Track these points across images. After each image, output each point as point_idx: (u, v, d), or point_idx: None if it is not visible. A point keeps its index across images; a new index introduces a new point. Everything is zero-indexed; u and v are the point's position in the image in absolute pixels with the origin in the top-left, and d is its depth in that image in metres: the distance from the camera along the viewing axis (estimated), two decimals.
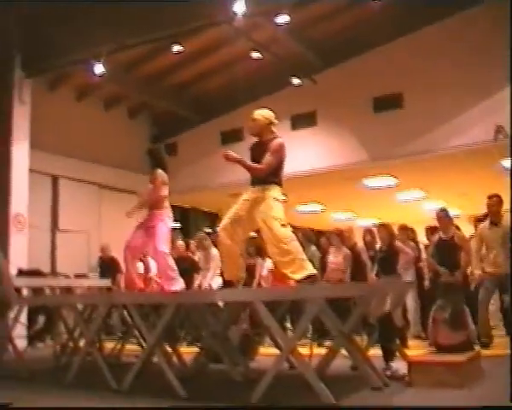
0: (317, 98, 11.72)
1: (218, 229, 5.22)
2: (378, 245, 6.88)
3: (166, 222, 5.73)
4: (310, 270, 4.89)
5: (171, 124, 13.85)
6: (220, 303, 6.02)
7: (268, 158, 4.91)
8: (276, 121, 5.15)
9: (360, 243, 7.85)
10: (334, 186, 12.90)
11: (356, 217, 16.47)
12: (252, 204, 4.97)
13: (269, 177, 4.95)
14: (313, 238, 8.58)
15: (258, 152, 5.03)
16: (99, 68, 9.35)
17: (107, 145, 12.52)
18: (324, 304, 4.55)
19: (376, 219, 11.34)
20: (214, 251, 8.18)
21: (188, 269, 8.38)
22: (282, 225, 4.84)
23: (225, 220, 5.11)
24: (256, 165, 4.91)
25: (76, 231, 11.54)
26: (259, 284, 7.92)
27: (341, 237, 7.79)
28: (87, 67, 9.57)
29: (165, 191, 5.73)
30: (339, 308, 5.32)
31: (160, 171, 5.73)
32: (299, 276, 4.79)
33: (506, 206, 6.26)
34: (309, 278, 4.80)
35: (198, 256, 8.67)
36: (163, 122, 14.04)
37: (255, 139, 5.16)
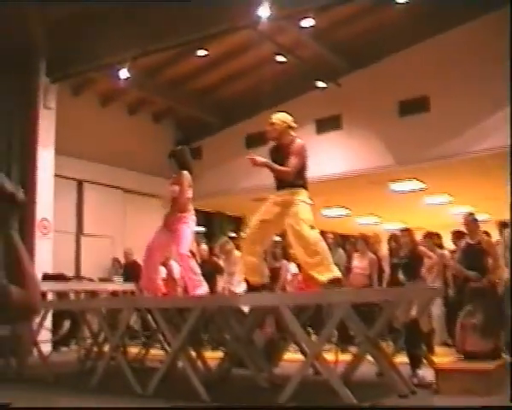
0: (342, 102, 11.67)
1: (243, 233, 5.26)
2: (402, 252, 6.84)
3: (190, 225, 5.75)
4: (336, 273, 4.90)
5: (195, 128, 13.93)
6: (245, 308, 6.03)
7: (292, 160, 4.96)
8: (294, 125, 5.20)
9: (385, 249, 7.81)
10: (360, 190, 12.81)
11: (382, 222, 16.33)
12: (280, 208, 5.02)
13: (296, 180, 5.01)
14: (341, 242, 8.56)
15: (278, 156, 5.08)
16: (123, 73, 9.45)
17: (132, 150, 12.62)
18: (350, 309, 4.54)
19: (402, 224, 11.24)
20: (238, 255, 8.18)
21: (211, 273, 8.41)
22: (311, 227, 4.89)
23: (252, 224, 5.16)
24: (282, 168, 4.96)
25: (100, 235, 11.67)
26: (284, 289, 7.90)
27: (367, 242, 7.75)
28: (112, 73, 9.67)
29: (190, 193, 5.73)
30: (364, 314, 5.29)
31: (185, 172, 5.71)
32: (325, 277, 4.81)
33: None
34: (334, 280, 4.81)
35: (222, 261, 8.70)
36: (187, 126, 14.12)
37: (273, 143, 5.23)
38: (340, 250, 8.37)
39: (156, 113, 13.52)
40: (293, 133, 5.18)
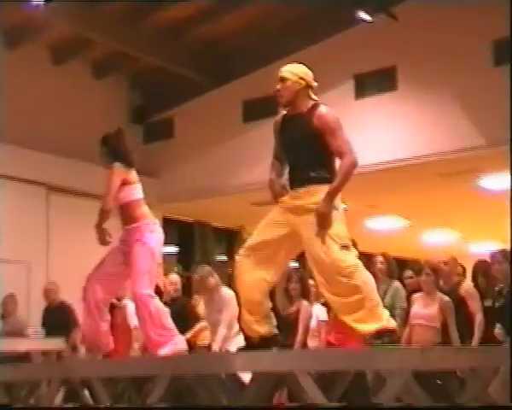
0: (399, 46, 11.71)
1: (238, 257, 5.32)
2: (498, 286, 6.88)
3: (147, 241, 5.87)
4: (387, 321, 4.90)
5: (162, 89, 14.00)
6: (245, 376, 6.05)
7: (338, 142, 5.03)
8: (314, 84, 5.26)
9: (469, 283, 7.78)
10: (426, 188, 12.83)
11: (464, 240, 16.35)
12: (293, 216, 5.08)
13: (320, 171, 5.06)
14: (396, 270, 8.56)
15: (295, 132, 5.15)
16: None
17: (60, 123, 12.67)
18: (411, 379, 4.56)
19: (500, 244, 11.22)
20: (227, 293, 8.23)
21: (183, 318, 8.48)
22: (343, 247, 4.92)
23: (249, 243, 5.23)
24: (345, 163, 4.99)
25: (8, 260, 11.66)
26: (305, 344, 7.93)
27: (437, 273, 7.76)
28: None
29: (134, 193, 6.02)
30: (433, 388, 5.31)
31: (117, 164, 6.05)
32: (368, 328, 4.83)
33: None
34: (384, 332, 4.81)
35: (201, 301, 8.74)
36: (149, 85, 14.21)
37: (283, 112, 5.33)
38: (397, 284, 8.36)
39: (98, 61, 13.57)
40: (314, 97, 5.22)
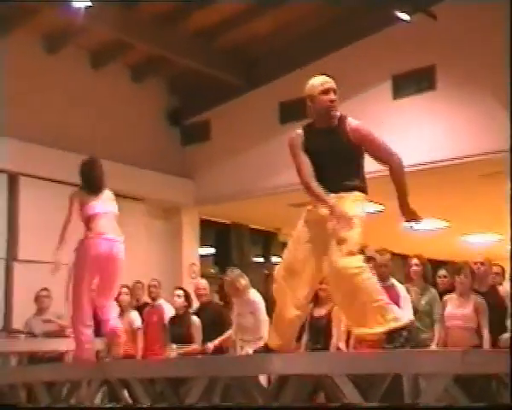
0: (438, 45, 11.63)
1: (276, 268, 5.42)
2: None
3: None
4: (394, 321, 4.90)
5: (199, 91, 14.05)
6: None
7: (382, 144, 5.21)
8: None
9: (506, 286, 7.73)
10: (466, 189, 12.72)
11: (504, 241, 16.14)
12: (319, 228, 5.16)
13: (351, 179, 5.16)
14: (430, 272, 8.50)
15: (328, 145, 5.21)
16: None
17: (98, 125, 12.77)
18: (451, 382, 4.53)
19: None
20: (257, 296, 8.28)
21: (214, 322, 8.65)
22: (349, 254, 4.95)
23: (284, 264, 5.30)
24: (397, 162, 5.19)
25: (45, 261, 11.72)
26: (338, 348, 7.92)
27: (473, 275, 7.71)
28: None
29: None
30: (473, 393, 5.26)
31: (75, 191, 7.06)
32: (373, 331, 4.87)
33: None
34: (393, 332, 4.82)
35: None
36: (186, 89, 14.26)
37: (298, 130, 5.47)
38: (433, 290, 8.31)
39: (137, 65, 13.67)
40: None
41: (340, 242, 4.95)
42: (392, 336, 4.86)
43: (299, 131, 5.44)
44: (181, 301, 8.94)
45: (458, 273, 7.71)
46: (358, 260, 5.00)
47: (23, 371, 7.49)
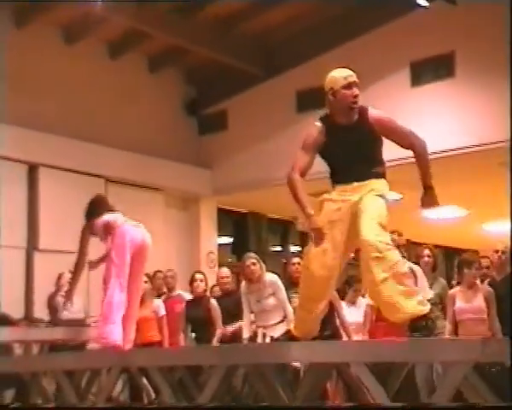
0: (457, 31, 11.58)
1: (298, 256, 5.44)
2: None
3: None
4: (417, 308, 4.92)
5: (216, 81, 14.06)
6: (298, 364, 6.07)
7: (404, 130, 5.30)
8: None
9: None
10: (486, 177, 12.65)
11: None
12: (347, 209, 5.18)
13: (373, 167, 5.21)
14: (441, 263, 8.48)
15: (352, 137, 5.21)
16: None
17: (116, 115, 12.81)
18: (470, 371, 4.52)
19: None
20: (274, 276, 8.26)
21: (235, 311, 8.62)
22: (380, 226, 5.00)
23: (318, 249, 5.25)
24: (420, 147, 5.32)
25: (65, 251, 11.78)
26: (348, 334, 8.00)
27: (481, 266, 7.67)
28: None
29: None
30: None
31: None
32: (409, 311, 4.88)
33: None
34: (418, 320, 4.85)
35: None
36: (203, 78, 14.27)
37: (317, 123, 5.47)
38: (443, 280, 8.31)
39: (154, 55, 13.69)
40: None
41: (373, 218, 5.00)
42: (418, 320, 4.90)
43: (319, 125, 5.40)
44: (203, 284, 8.97)
45: (469, 266, 7.65)
46: (389, 239, 5.06)
47: (44, 360, 7.53)
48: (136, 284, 6.93)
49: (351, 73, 5.29)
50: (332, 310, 7.87)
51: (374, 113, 5.23)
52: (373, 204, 5.07)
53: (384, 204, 5.16)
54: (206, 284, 9.10)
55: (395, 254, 5.01)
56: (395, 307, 4.92)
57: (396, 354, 4.85)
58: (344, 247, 5.23)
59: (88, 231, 7.09)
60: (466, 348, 4.59)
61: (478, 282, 7.67)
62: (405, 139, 5.24)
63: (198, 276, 9.09)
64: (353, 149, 5.21)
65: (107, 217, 6.92)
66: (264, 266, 8.35)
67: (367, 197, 5.10)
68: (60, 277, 9.84)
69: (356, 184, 5.20)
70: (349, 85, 5.21)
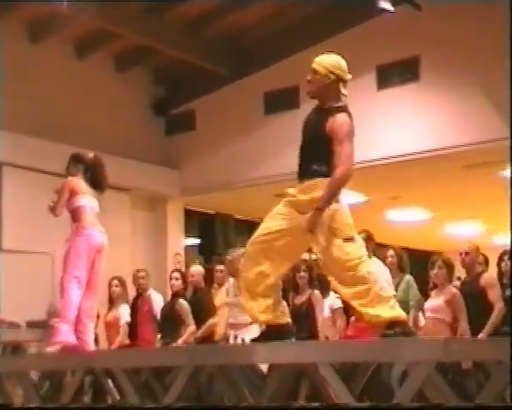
0: (422, 36, 11.66)
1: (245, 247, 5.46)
2: None
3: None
4: (399, 312, 4.94)
5: (184, 81, 14.03)
6: (263, 366, 6.07)
7: (340, 150, 5.04)
8: (348, 77, 5.26)
9: (490, 273, 7.78)
10: (450, 180, 12.76)
11: (488, 231, 16.24)
12: (297, 213, 5.16)
13: (323, 166, 5.10)
14: (407, 263, 8.57)
15: (312, 126, 5.19)
16: None
17: (83, 114, 12.73)
18: (433, 371, 4.56)
19: None
20: None
21: (202, 311, 8.64)
22: (346, 240, 4.98)
23: (256, 233, 5.34)
24: (336, 174, 5.01)
25: (31, 251, 11.73)
26: (316, 335, 7.98)
27: (450, 266, 7.73)
28: None
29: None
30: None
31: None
32: (378, 313, 4.89)
33: None
34: (397, 323, 4.86)
35: (227, 286, 8.73)
36: (171, 78, 14.24)
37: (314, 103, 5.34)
38: (408, 277, 8.39)
39: (121, 55, 13.62)
40: (344, 91, 5.23)
41: (336, 231, 4.98)
42: (395, 323, 4.93)
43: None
44: (179, 283, 8.95)
45: (433, 266, 7.71)
46: (359, 248, 5.05)
47: (6, 362, 7.47)
48: (94, 287, 6.88)
49: (317, 58, 5.28)
50: (311, 311, 7.91)
51: (340, 118, 5.12)
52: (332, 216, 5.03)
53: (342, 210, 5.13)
54: (185, 283, 9.07)
55: (364, 266, 5.02)
56: (368, 314, 4.96)
57: (360, 355, 4.89)
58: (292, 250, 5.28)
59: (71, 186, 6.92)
60: (428, 349, 4.63)
61: (450, 283, 7.72)
62: (339, 155, 5.05)
63: (174, 274, 9.09)
64: (311, 139, 5.19)
65: (84, 202, 6.82)
66: None
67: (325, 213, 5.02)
68: None
69: (307, 183, 5.15)
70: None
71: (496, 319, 7.34)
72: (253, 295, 5.29)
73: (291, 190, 5.25)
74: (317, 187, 5.06)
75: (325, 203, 4.99)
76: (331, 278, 5.12)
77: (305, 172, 5.16)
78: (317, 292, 8.01)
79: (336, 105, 5.17)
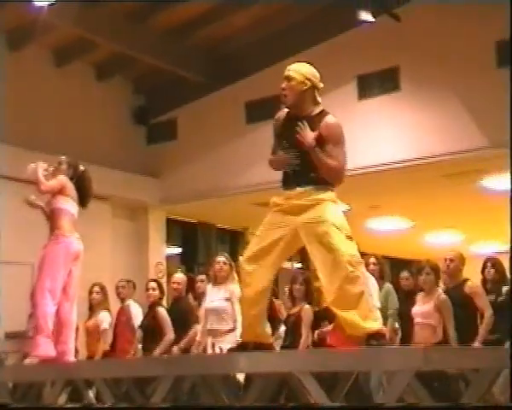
0: (402, 47, 11.72)
1: (241, 259, 5.41)
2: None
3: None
4: (379, 322, 4.95)
5: (165, 90, 14.02)
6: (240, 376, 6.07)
7: (338, 152, 5.10)
8: (321, 85, 5.29)
9: (473, 281, 7.82)
10: (430, 190, 12.82)
11: (467, 240, 16.33)
12: (291, 216, 5.13)
13: (318, 174, 5.09)
14: (388, 271, 8.61)
15: (294, 134, 5.13)
16: None
17: (64, 124, 12.70)
18: (414, 380, 4.56)
19: (503, 245, 11.23)
20: (237, 287, 8.25)
21: (183, 320, 8.62)
22: (348, 238, 4.96)
23: (249, 252, 5.29)
24: (330, 161, 5.05)
25: (11, 262, 11.66)
26: (308, 347, 7.93)
27: (437, 271, 7.76)
28: None
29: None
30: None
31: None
32: (368, 325, 4.88)
33: None
34: (376, 335, 4.86)
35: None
36: (152, 87, 14.24)
37: (285, 109, 5.34)
38: (388, 285, 8.43)
39: (102, 64, 13.61)
40: (319, 99, 5.23)
41: (341, 228, 4.97)
42: (375, 335, 4.91)
43: (281, 114, 5.39)
44: (156, 293, 8.92)
45: (420, 273, 7.75)
46: (356, 249, 5.02)
47: None
48: (71, 293, 6.83)
49: (292, 66, 5.30)
50: (299, 323, 7.89)
51: (330, 119, 5.16)
52: (334, 214, 5.05)
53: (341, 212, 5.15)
54: (162, 292, 9.05)
55: (361, 267, 5.05)
56: (354, 323, 4.93)
57: (341, 364, 4.89)
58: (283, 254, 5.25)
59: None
60: (408, 357, 4.64)
61: (438, 289, 7.75)
62: (337, 156, 5.10)
63: (151, 284, 9.04)
64: (300, 147, 5.13)
65: (67, 206, 6.78)
66: (235, 275, 8.28)
67: (324, 208, 5.04)
68: None
69: (300, 190, 5.12)
70: (284, 78, 5.26)
71: (487, 327, 7.42)
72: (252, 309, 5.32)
73: (278, 199, 5.22)
74: (312, 194, 5.06)
75: (315, 154, 5.03)
76: (324, 278, 5.00)
77: (298, 180, 5.11)
78: (307, 306, 7.97)
79: (319, 110, 5.20)
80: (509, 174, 10.86)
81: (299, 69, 5.24)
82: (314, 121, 5.12)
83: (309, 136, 5.04)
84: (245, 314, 5.44)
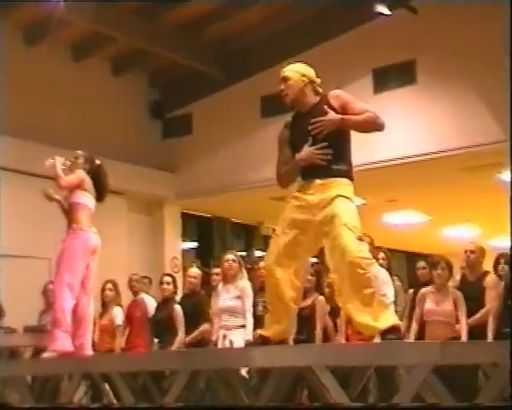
0: (418, 40, 11.67)
1: (263, 260, 5.40)
2: None
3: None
4: (395, 318, 4.95)
5: (180, 85, 14.04)
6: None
7: (359, 106, 5.16)
8: (318, 80, 5.32)
9: (491, 274, 7.84)
10: (446, 183, 12.78)
11: (485, 234, 16.24)
12: (310, 214, 5.11)
13: (336, 164, 5.08)
14: (394, 267, 8.58)
15: (307, 128, 5.12)
16: None
17: (80, 118, 12.72)
18: (430, 373, 4.55)
19: None
20: (246, 282, 8.25)
21: (196, 315, 8.63)
22: (360, 239, 4.92)
23: (274, 248, 5.24)
24: (361, 116, 5.10)
25: (29, 256, 11.72)
26: (323, 340, 7.92)
27: (451, 268, 7.74)
28: None
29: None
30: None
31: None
32: (381, 324, 4.84)
33: None
34: (392, 330, 4.83)
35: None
36: (168, 82, 14.25)
37: (289, 118, 5.38)
38: (397, 281, 8.41)
39: (118, 58, 13.65)
40: (319, 89, 5.30)
41: (351, 228, 4.91)
42: (390, 329, 4.88)
43: (287, 122, 5.41)
44: (170, 287, 8.92)
45: (435, 267, 7.73)
46: (367, 250, 5.00)
47: (2, 367, 7.46)
48: (89, 288, 6.87)
49: (286, 68, 5.37)
50: (313, 316, 7.88)
51: (335, 91, 5.22)
52: (347, 213, 5.00)
53: (355, 210, 5.10)
54: (175, 287, 9.06)
55: (372, 269, 5.02)
56: (367, 325, 4.92)
57: (357, 358, 4.88)
58: (304, 248, 5.21)
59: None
60: (426, 352, 4.63)
61: (449, 284, 7.75)
62: (366, 108, 5.16)
63: (166, 279, 9.05)
64: (315, 138, 5.11)
65: (86, 200, 6.84)
66: (244, 272, 8.31)
67: (338, 206, 4.99)
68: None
69: (319, 182, 5.10)
70: (281, 80, 5.34)
71: (486, 313, 7.48)
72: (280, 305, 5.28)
73: (296, 193, 5.22)
74: (334, 186, 5.04)
75: (347, 120, 5.06)
76: (338, 278, 5.00)
77: (319, 172, 5.08)
78: (321, 298, 7.96)
79: (320, 96, 5.24)
80: None
81: (294, 68, 5.34)
82: (320, 107, 5.14)
83: (328, 117, 5.05)
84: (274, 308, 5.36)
